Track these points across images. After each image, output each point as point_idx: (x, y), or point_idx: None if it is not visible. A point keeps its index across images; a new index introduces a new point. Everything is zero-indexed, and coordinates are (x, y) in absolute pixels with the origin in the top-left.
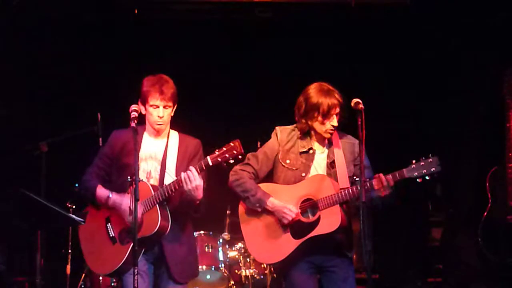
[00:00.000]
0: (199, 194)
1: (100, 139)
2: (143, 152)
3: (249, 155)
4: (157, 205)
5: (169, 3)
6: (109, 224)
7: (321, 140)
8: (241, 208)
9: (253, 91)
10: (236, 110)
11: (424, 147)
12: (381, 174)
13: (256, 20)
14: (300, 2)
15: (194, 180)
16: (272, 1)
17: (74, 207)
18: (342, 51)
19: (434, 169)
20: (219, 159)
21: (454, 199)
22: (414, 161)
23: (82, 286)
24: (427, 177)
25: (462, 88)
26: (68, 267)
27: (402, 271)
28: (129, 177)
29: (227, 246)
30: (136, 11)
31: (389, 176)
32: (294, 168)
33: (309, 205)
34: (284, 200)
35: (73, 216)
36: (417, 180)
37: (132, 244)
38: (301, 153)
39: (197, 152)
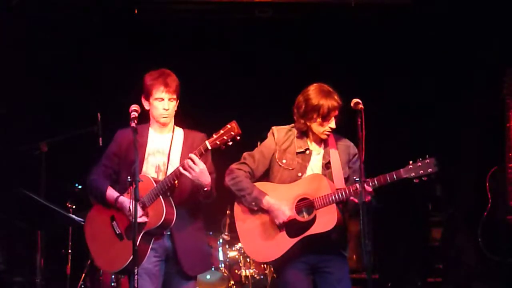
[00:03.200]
0: (206, 178)
1: (100, 139)
2: (150, 147)
3: (245, 154)
4: (160, 196)
5: (169, 3)
6: (114, 222)
7: (318, 141)
8: (237, 207)
9: (253, 91)
10: (235, 110)
11: (424, 147)
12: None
13: (256, 20)
14: (300, 2)
15: (197, 165)
16: (272, 1)
17: (74, 207)
18: (342, 51)
19: (431, 170)
20: (218, 142)
21: (454, 199)
22: (411, 162)
23: (82, 286)
24: (423, 178)
25: (462, 88)
26: (68, 267)
27: (402, 271)
28: (129, 177)
29: (227, 246)
30: (136, 11)
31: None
32: (290, 168)
33: (305, 204)
34: (280, 199)
35: (73, 216)
36: (414, 180)
37: (140, 237)
38: (298, 153)
39: None
